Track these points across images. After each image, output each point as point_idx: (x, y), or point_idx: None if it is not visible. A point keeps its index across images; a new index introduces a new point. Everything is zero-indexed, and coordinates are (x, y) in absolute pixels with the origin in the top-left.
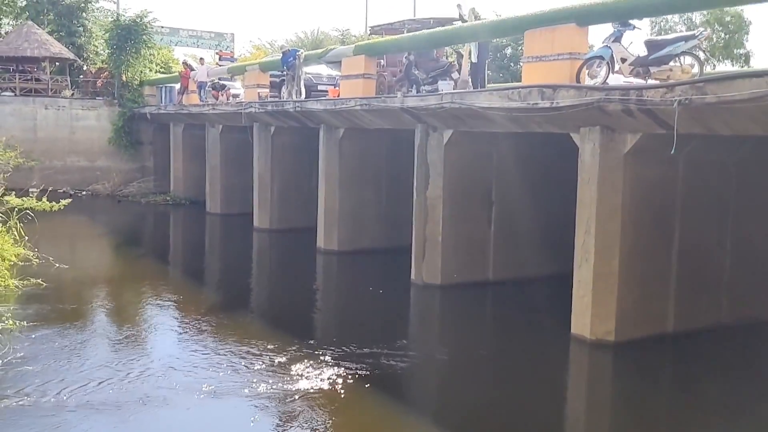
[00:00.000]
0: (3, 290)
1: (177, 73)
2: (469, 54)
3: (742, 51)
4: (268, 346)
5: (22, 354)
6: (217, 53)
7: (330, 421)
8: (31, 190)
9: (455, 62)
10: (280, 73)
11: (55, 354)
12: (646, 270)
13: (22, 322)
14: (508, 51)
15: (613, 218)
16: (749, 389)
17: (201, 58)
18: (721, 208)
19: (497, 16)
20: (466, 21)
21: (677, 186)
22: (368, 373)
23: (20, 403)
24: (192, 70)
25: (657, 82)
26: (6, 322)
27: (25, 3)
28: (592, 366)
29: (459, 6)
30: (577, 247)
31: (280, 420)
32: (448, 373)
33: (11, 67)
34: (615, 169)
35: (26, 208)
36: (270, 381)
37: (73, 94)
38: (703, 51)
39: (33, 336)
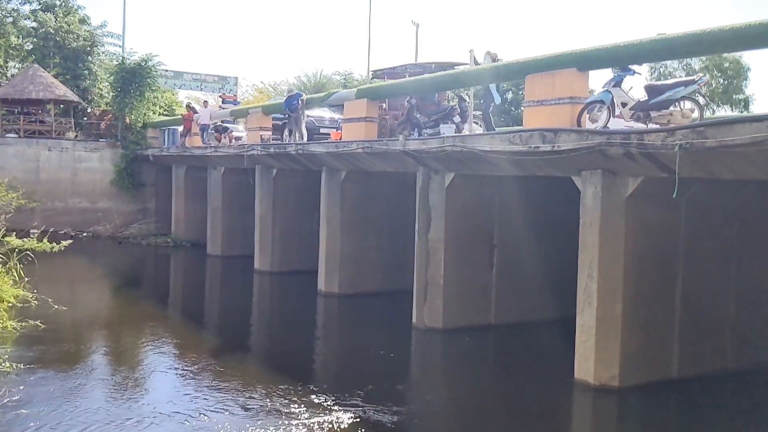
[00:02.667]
0: (1, 332)
1: (180, 116)
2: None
3: (741, 96)
4: (268, 391)
5: (18, 397)
6: (220, 96)
7: None
8: (32, 231)
9: (456, 106)
10: (282, 116)
11: (52, 397)
12: (649, 314)
13: (19, 365)
14: (509, 95)
15: (615, 262)
16: None
17: (204, 101)
18: (724, 252)
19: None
20: (479, 64)
21: (680, 230)
22: (369, 418)
23: None
24: (195, 112)
25: (657, 126)
26: (3, 364)
27: (31, 47)
28: (597, 411)
29: (471, 51)
30: (580, 291)
31: None
32: (450, 418)
33: (16, 109)
34: (617, 212)
35: (26, 249)
36: (269, 426)
37: (76, 136)
38: (703, 96)
39: (30, 379)
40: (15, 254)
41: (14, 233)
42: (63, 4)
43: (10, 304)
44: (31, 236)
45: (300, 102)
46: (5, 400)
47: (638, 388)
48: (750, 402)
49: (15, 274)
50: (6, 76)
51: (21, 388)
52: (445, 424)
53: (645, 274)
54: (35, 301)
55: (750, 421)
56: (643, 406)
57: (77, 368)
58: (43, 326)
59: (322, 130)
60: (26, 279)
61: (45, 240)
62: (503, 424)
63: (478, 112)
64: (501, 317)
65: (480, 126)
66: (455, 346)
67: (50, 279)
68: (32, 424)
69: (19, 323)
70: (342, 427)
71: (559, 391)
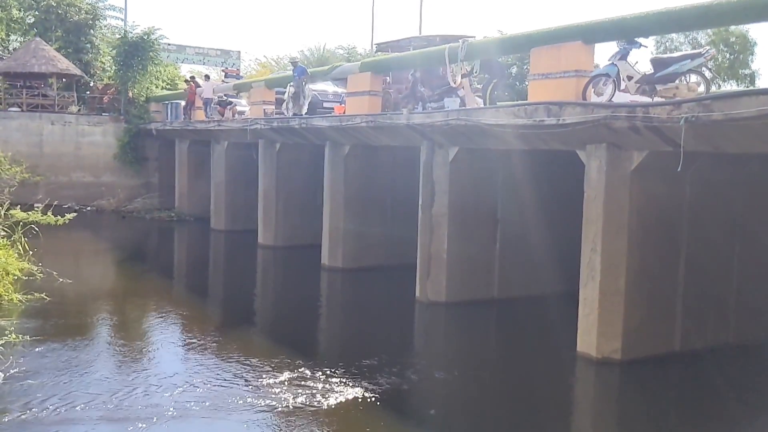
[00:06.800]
0: (7, 304)
1: (183, 90)
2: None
3: (747, 71)
4: (272, 363)
5: (25, 368)
6: (222, 70)
7: None
8: (36, 204)
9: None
10: (285, 89)
11: (58, 368)
12: (652, 288)
13: (25, 336)
14: (514, 70)
15: (619, 236)
16: (757, 409)
17: (206, 75)
18: (728, 227)
19: (501, 35)
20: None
21: (684, 204)
22: (372, 389)
23: (23, 417)
24: (198, 86)
25: (663, 99)
26: (9, 336)
27: (33, 20)
28: (599, 384)
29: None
30: (583, 264)
31: None
32: (453, 390)
33: (19, 83)
34: (621, 186)
35: (31, 222)
36: (273, 397)
37: (79, 110)
38: (709, 69)
39: (36, 350)
40: (20, 227)
41: (18, 207)
42: None
43: (16, 277)
44: (35, 210)
45: (302, 77)
46: (12, 371)
47: (640, 362)
48: (752, 375)
49: (20, 247)
50: (8, 50)
51: (27, 359)
52: (448, 396)
53: (649, 248)
54: (40, 274)
55: (752, 394)
56: (645, 378)
57: (83, 340)
58: (48, 299)
59: (325, 104)
60: (31, 252)
61: (49, 213)
62: (505, 395)
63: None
64: (504, 291)
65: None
66: (458, 319)
67: (55, 252)
68: (39, 394)
69: (25, 296)
70: (346, 398)
71: (561, 364)
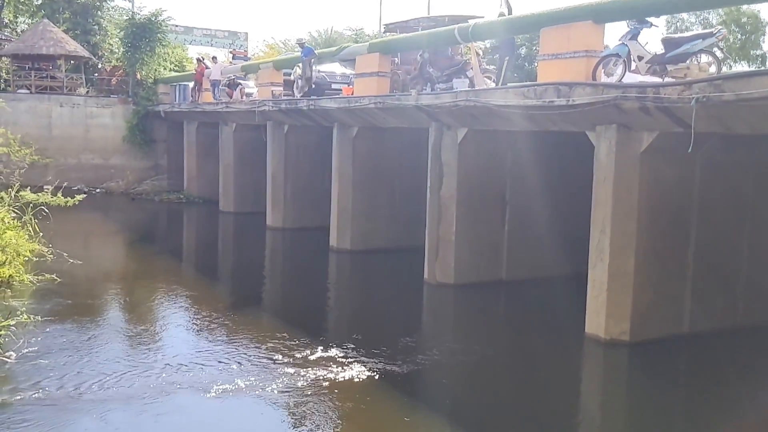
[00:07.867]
0: (18, 285)
1: (194, 71)
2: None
3: (758, 52)
4: (281, 344)
5: (37, 348)
6: (230, 52)
7: (343, 418)
8: (45, 187)
9: (470, 60)
10: (293, 71)
11: (69, 348)
12: (661, 270)
13: (36, 317)
14: (523, 50)
15: (628, 218)
16: (764, 391)
17: (213, 57)
18: (738, 209)
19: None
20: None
21: (694, 185)
22: (382, 370)
23: (36, 396)
24: (207, 67)
25: (674, 80)
26: (21, 316)
27: (41, 1)
28: (607, 366)
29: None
30: (592, 246)
31: (292, 416)
32: (462, 371)
33: (27, 65)
34: (631, 168)
35: (41, 204)
36: (282, 378)
37: (88, 92)
38: (721, 49)
39: (47, 330)
40: (30, 209)
41: (28, 189)
42: None
43: (27, 258)
44: (45, 191)
45: (310, 59)
46: (24, 351)
47: (649, 343)
48: (760, 358)
49: (30, 228)
50: (16, 32)
51: (39, 339)
52: (457, 376)
53: (658, 230)
54: (51, 256)
55: (759, 377)
56: (653, 360)
57: (94, 321)
58: (59, 280)
59: (333, 86)
60: (41, 234)
61: (59, 195)
62: (514, 376)
63: (491, 67)
64: (513, 273)
65: (492, 81)
66: (467, 301)
67: (65, 234)
68: (51, 374)
69: (36, 277)
70: (354, 378)
71: (569, 345)
